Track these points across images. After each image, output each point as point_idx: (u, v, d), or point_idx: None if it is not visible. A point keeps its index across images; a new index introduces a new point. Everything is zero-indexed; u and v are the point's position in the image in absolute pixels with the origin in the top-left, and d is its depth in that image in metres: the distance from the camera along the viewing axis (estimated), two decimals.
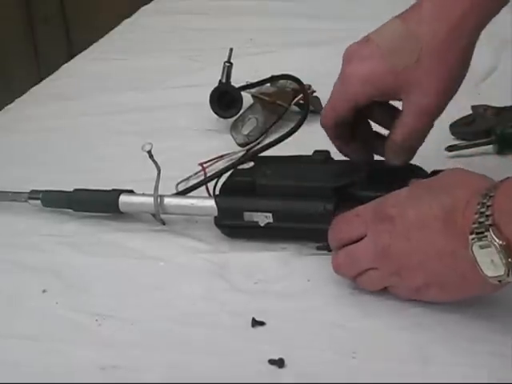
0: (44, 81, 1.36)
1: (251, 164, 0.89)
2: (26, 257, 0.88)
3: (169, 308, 0.78)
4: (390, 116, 0.83)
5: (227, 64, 1.12)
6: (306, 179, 0.85)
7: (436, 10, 0.79)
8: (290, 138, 0.94)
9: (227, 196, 0.87)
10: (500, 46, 1.20)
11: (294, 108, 1.11)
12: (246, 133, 1.08)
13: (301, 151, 0.89)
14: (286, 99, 1.10)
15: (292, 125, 0.95)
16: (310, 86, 1.10)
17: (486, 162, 0.97)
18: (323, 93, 1.10)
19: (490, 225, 0.65)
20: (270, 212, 0.84)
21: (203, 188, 0.92)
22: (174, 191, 0.94)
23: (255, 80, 1.12)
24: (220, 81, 1.12)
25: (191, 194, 0.92)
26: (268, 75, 1.11)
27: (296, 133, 0.94)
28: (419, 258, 0.72)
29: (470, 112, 1.04)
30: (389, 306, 0.75)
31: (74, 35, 2.41)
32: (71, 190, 0.94)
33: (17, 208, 0.96)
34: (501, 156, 0.98)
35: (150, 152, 0.87)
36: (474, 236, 0.66)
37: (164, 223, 0.91)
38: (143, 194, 0.91)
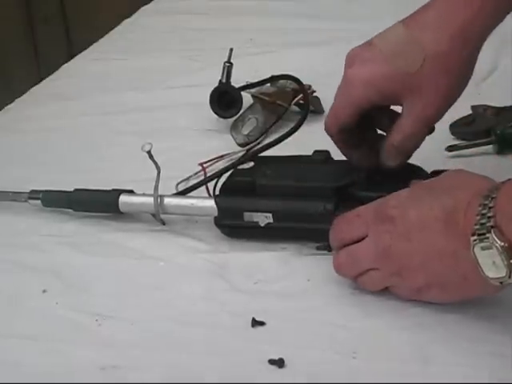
0: (44, 81, 1.36)
1: (251, 164, 0.89)
2: (26, 257, 0.88)
3: (169, 308, 0.78)
4: (389, 119, 0.83)
5: (227, 64, 1.12)
6: (306, 179, 0.85)
7: (440, 18, 0.79)
8: (290, 138, 0.94)
9: (227, 196, 0.87)
10: (500, 46, 1.20)
11: (294, 108, 1.11)
12: (246, 133, 1.08)
13: (301, 151, 0.89)
14: (286, 99, 1.10)
15: (292, 125, 0.95)
16: (310, 86, 1.10)
17: (485, 162, 0.97)
18: (323, 93, 1.11)
19: (492, 226, 0.65)
20: (269, 212, 0.84)
21: (203, 188, 0.92)
22: (174, 191, 0.94)
23: (255, 80, 1.12)
24: (220, 81, 1.12)
25: (191, 194, 0.92)
26: (268, 75, 1.11)
27: (296, 133, 0.94)
28: (420, 258, 0.72)
29: (470, 112, 1.04)
30: (389, 305, 0.75)
31: (74, 35, 2.41)
32: (71, 190, 0.94)
33: (17, 208, 0.96)
34: (501, 156, 0.98)
35: (149, 152, 0.87)
36: (475, 237, 0.66)
37: (164, 223, 0.91)
38: (143, 194, 0.91)
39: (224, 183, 0.88)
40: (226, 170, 0.91)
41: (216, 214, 0.87)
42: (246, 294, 0.79)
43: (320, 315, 0.75)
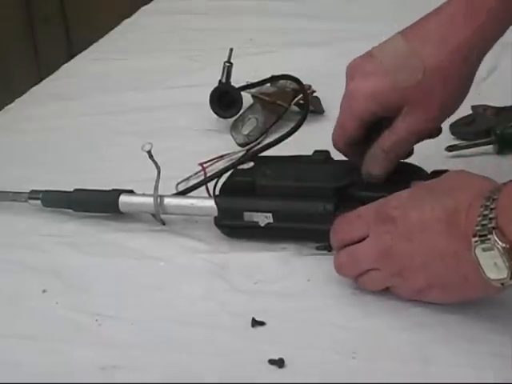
0: (44, 81, 1.36)
1: (251, 164, 0.89)
2: (26, 257, 0.88)
3: (169, 308, 0.78)
4: None
5: (227, 64, 1.12)
6: (306, 179, 0.85)
7: (440, 32, 0.79)
8: (290, 138, 0.94)
9: (227, 196, 0.87)
10: (500, 47, 1.19)
11: (294, 108, 1.10)
12: (246, 133, 1.08)
13: (301, 151, 0.89)
14: (286, 99, 1.10)
15: (292, 125, 0.95)
16: (310, 86, 1.10)
17: (485, 162, 0.97)
18: (323, 93, 1.11)
19: (494, 227, 0.65)
20: (269, 212, 0.84)
21: (203, 188, 0.92)
22: (174, 191, 0.94)
23: (255, 80, 1.12)
24: (220, 81, 1.12)
25: (191, 194, 0.92)
26: (268, 75, 1.11)
27: (296, 133, 0.94)
28: (421, 259, 0.72)
29: (470, 112, 1.04)
30: (389, 306, 0.75)
31: (73, 35, 2.41)
32: (71, 190, 0.94)
33: (17, 208, 0.96)
34: (501, 156, 0.98)
35: (149, 152, 0.87)
36: (476, 238, 0.66)
37: (164, 223, 0.91)
38: (143, 194, 0.91)
39: (224, 183, 0.88)
40: (226, 169, 0.91)
41: (216, 214, 0.87)
42: (246, 294, 0.79)
43: (320, 315, 0.75)
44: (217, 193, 0.89)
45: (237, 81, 1.12)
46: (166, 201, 0.89)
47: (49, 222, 0.94)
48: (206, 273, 0.83)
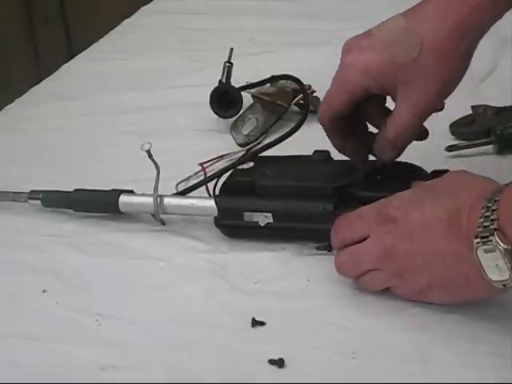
0: (44, 81, 1.36)
1: (251, 164, 0.89)
2: (26, 257, 0.88)
3: (169, 308, 0.78)
4: (382, 115, 0.83)
5: (227, 64, 1.12)
6: (306, 179, 0.85)
7: (438, 11, 0.79)
8: (290, 138, 0.93)
9: (227, 196, 0.87)
10: (500, 46, 1.20)
11: (294, 108, 1.11)
12: (246, 133, 1.08)
13: (301, 151, 0.89)
14: (286, 99, 1.10)
15: (292, 125, 0.95)
16: (310, 86, 1.10)
17: (485, 162, 0.97)
18: (323, 93, 1.10)
19: (495, 229, 0.65)
20: (269, 212, 0.84)
21: (203, 188, 0.92)
22: (174, 191, 0.94)
23: (255, 80, 1.12)
24: (220, 81, 1.12)
25: (191, 194, 0.92)
26: (268, 75, 1.11)
27: (296, 133, 0.94)
28: (422, 259, 0.72)
29: (470, 112, 1.04)
30: (389, 306, 0.75)
31: (74, 35, 2.41)
32: (71, 190, 0.94)
33: (17, 208, 0.96)
34: (501, 156, 0.98)
35: (149, 151, 0.87)
36: (478, 240, 0.66)
37: (164, 223, 0.91)
38: (143, 194, 0.91)
39: (224, 183, 0.88)
40: (226, 169, 0.91)
41: (216, 214, 0.87)
42: (246, 293, 0.79)
43: (320, 315, 0.75)
44: (217, 193, 0.89)
45: (237, 81, 1.12)
46: (166, 201, 0.89)
47: (49, 221, 0.94)
48: (206, 273, 0.83)
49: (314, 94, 1.10)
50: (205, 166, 1.00)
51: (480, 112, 1.03)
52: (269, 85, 1.12)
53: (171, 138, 1.09)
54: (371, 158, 0.86)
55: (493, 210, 0.66)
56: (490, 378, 0.66)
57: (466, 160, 0.98)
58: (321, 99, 1.09)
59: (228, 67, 1.11)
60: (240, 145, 1.07)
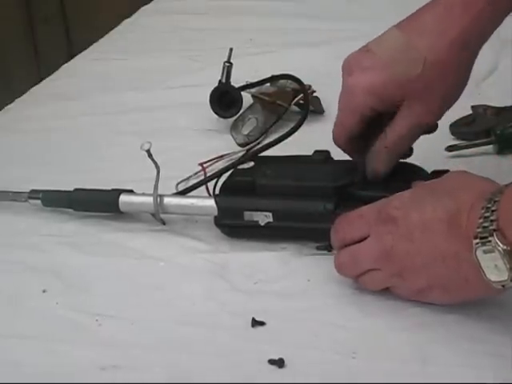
0: (44, 81, 1.36)
1: (251, 164, 0.89)
2: (26, 257, 0.88)
3: (169, 308, 0.78)
4: None
5: (227, 64, 1.11)
6: (306, 179, 0.85)
7: (437, 23, 0.79)
8: (290, 138, 0.93)
9: (227, 196, 0.87)
10: (500, 46, 1.20)
11: (294, 108, 1.10)
12: (246, 133, 1.08)
13: (301, 151, 0.89)
14: (286, 99, 1.10)
15: (292, 125, 0.95)
16: (310, 86, 1.10)
17: (485, 162, 0.97)
18: (323, 93, 1.11)
19: (494, 230, 0.65)
20: (270, 211, 0.84)
21: (203, 188, 0.92)
22: (174, 191, 0.94)
23: (255, 80, 1.12)
24: (220, 81, 1.12)
25: (191, 193, 0.92)
26: (268, 75, 1.11)
27: (296, 133, 0.94)
28: (422, 259, 0.72)
29: (470, 112, 1.04)
30: (389, 306, 0.75)
31: (74, 35, 2.41)
32: (71, 189, 0.94)
33: (17, 208, 0.96)
34: (501, 156, 0.98)
35: (148, 151, 0.87)
36: (477, 240, 0.66)
37: (164, 223, 0.91)
38: (143, 194, 0.91)
39: (224, 183, 0.88)
40: (226, 169, 0.91)
41: (216, 213, 0.87)
42: (246, 294, 0.79)
43: (320, 315, 0.75)
44: (217, 192, 0.89)
45: (237, 81, 1.12)
46: (166, 200, 0.89)
47: (49, 221, 0.94)
48: (206, 273, 0.83)
49: (314, 94, 1.11)
50: (205, 165, 1.00)
51: (480, 112, 1.03)
52: (269, 85, 1.12)
53: (171, 138, 1.09)
54: None
55: (492, 211, 0.66)
56: (490, 378, 0.66)
57: (466, 160, 0.98)
58: (321, 99, 1.11)
59: (228, 67, 1.11)
60: (240, 145, 1.07)
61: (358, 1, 1.49)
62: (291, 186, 0.85)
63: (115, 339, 0.75)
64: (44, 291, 0.82)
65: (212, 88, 1.11)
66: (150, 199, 0.89)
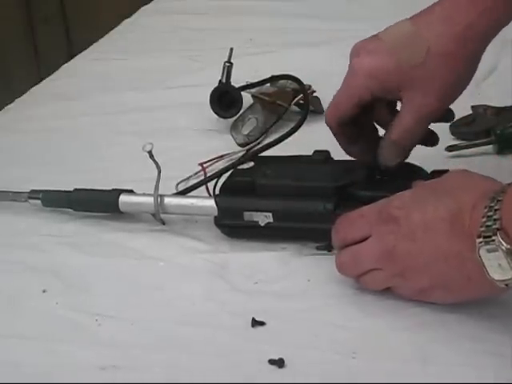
0: (44, 81, 1.36)
1: (251, 164, 0.89)
2: (26, 257, 0.88)
3: (169, 308, 0.78)
4: (391, 116, 0.83)
5: (227, 64, 1.12)
6: (306, 179, 0.85)
7: (445, 16, 0.79)
8: (290, 138, 0.94)
9: (227, 196, 0.87)
10: (500, 46, 1.20)
11: (294, 108, 1.10)
12: (246, 133, 1.08)
13: (301, 151, 0.89)
14: (286, 99, 1.10)
15: (292, 125, 0.95)
16: (310, 86, 1.10)
17: (485, 162, 0.97)
18: (323, 93, 1.10)
19: (498, 229, 0.65)
20: (270, 212, 0.84)
21: (203, 188, 0.92)
22: (174, 191, 0.94)
23: (255, 80, 1.12)
24: (220, 81, 1.12)
25: (191, 193, 0.92)
26: (268, 75, 1.11)
27: (296, 133, 0.94)
28: (425, 259, 0.72)
29: (470, 112, 1.04)
30: (389, 305, 0.75)
31: (74, 35, 2.41)
32: (71, 189, 0.94)
33: (17, 208, 0.96)
34: (501, 156, 0.98)
35: (150, 152, 0.87)
36: (481, 240, 0.66)
37: (164, 223, 0.90)
38: (143, 194, 0.91)
39: (224, 183, 0.88)
40: (226, 169, 0.91)
41: (216, 213, 0.87)
42: (246, 294, 0.79)
43: (320, 315, 0.75)
44: (217, 193, 0.89)
45: (237, 81, 1.12)
46: (166, 200, 0.89)
47: (49, 222, 0.94)
48: (206, 273, 0.83)
49: (314, 94, 1.11)
50: (205, 165, 1.00)
51: (480, 112, 1.03)
52: (269, 85, 1.12)
53: (171, 138, 1.09)
54: None
55: (495, 210, 0.66)
56: (491, 377, 0.66)
57: (466, 160, 0.98)
58: (321, 99, 1.11)
59: (228, 67, 1.11)
60: (240, 145, 1.07)
61: (358, 1, 1.49)
62: (291, 186, 0.85)
63: (115, 339, 0.75)
64: (44, 291, 0.82)
65: (212, 88, 1.11)
66: (150, 199, 0.89)
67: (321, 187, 0.84)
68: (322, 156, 0.87)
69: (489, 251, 0.66)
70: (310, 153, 0.88)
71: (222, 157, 1.02)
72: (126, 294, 0.81)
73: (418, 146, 0.84)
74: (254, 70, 1.18)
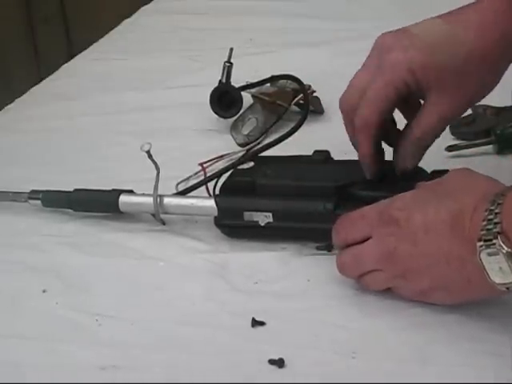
0: (44, 81, 1.36)
1: (251, 164, 0.89)
2: (26, 257, 0.88)
3: (169, 308, 0.78)
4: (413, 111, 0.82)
5: (227, 64, 1.12)
6: (306, 179, 0.85)
7: (483, 21, 0.79)
8: (290, 138, 0.94)
9: (227, 196, 0.87)
10: None
11: (294, 108, 1.10)
12: (246, 133, 1.08)
13: (301, 151, 0.89)
14: (286, 99, 1.10)
15: (292, 125, 0.95)
16: (310, 86, 1.10)
17: (486, 162, 0.97)
18: (323, 93, 1.11)
19: (499, 232, 0.65)
20: (270, 212, 0.84)
21: (203, 188, 0.92)
22: (174, 191, 0.94)
23: (255, 80, 1.12)
24: (220, 81, 1.12)
25: (191, 193, 0.92)
26: (268, 75, 1.11)
27: (296, 133, 0.94)
28: (425, 261, 0.72)
29: (470, 112, 1.03)
30: (389, 306, 0.75)
31: (74, 35, 2.41)
32: (71, 189, 0.94)
33: (17, 208, 0.96)
34: (501, 156, 0.98)
35: (148, 152, 0.87)
36: (481, 243, 0.66)
37: (164, 223, 0.91)
38: (143, 194, 0.91)
39: (224, 183, 0.88)
40: (226, 169, 0.91)
41: (216, 213, 0.87)
42: (246, 294, 0.79)
43: (320, 315, 0.75)
44: (217, 193, 0.89)
45: (237, 81, 1.12)
46: (166, 200, 0.89)
47: (49, 222, 0.94)
48: (206, 273, 0.83)
49: (314, 94, 1.11)
50: (205, 165, 0.99)
51: (480, 112, 1.03)
52: (269, 85, 1.12)
53: (171, 138, 1.09)
54: None
55: (496, 213, 0.66)
56: (491, 377, 0.66)
57: (466, 160, 0.98)
58: (321, 99, 1.11)
59: (228, 67, 1.11)
60: (240, 145, 1.07)
61: (358, 1, 1.49)
62: (291, 186, 0.85)
63: (115, 339, 0.75)
64: (44, 291, 0.82)
65: (212, 88, 1.11)
66: (150, 199, 0.89)
67: (321, 187, 0.84)
68: (322, 156, 0.87)
69: (489, 255, 0.66)
70: (310, 153, 0.88)
71: (222, 157, 1.02)
72: (126, 294, 0.81)
73: None
74: (254, 70, 1.18)
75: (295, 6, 1.51)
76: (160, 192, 0.89)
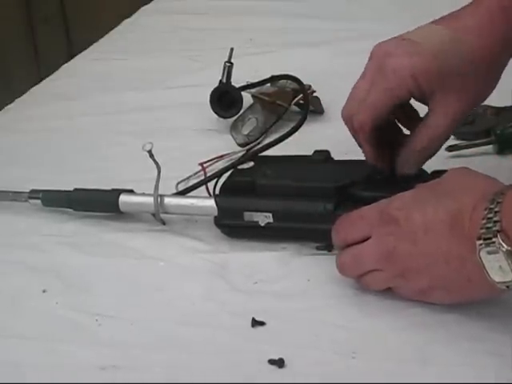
0: (44, 81, 1.36)
1: (251, 164, 0.89)
2: (26, 257, 0.88)
3: (169, 308, 0.78)
4: (410, 118, 0.83)
5: (227, 64, 1.12)
6: (306, 179, 0.85)
7: (482, 26, 0.79)
8: (290, 138, 0.94)
9: (227, 196, 0.87)
10: None
11: (294, 108, 1.10)
12: (246, 133, 1.08)
13: (301, 151, 0.89)
14: (286, 99, 1.10)
15: (292, 125, 0.95)
16: (310, 86, 1.10)
17: (485, 162, 0.97)
18: (323, 93, 1.11)
19: (498, 231, 0.65)
20: (270, 212, 0.84)
21: (203, 188, 0.92)
22: (174, 191, 0.94)
23: (255, 80, 1.12)
24: (220, 81, 1.12)
25: (191, 193, 0.92)
26: (268, 75, 1.11)
27: (296, 133, 0.94)
28: (425, 260, 0.72)
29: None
30: (389, 306, 0.75)
31: (74, 35, 2.41)
32: (71, 189, 0.94)
33: (17, 208, 0.96)
34: (501, 156, 0.98)
35: (150, 151, 0.87)
36: (481, 242, 0.66)
37: (164, 223, 0.91)
38: (143, 194, 0.91)
39: (224, 183, 0.88)
40: (225, 169, 0.91)
41: (216, 213, 0.87)
42: (246, 294, 0.79)
43: (320, 315, 0.75)
44: (217, 192, 0.89)
45: (237, 81, 1.12)
46: (166, 200, 0.89)
47: (49, 221, 0.94)
48: (206, 273, 0.83)
49: (314, 94, 1.11)
50: (205, 165, 1.00)
51: (480, 112, 1.03)
52: (269, 85, 1.12)
53: (171, 138, 1.09)
54: None
55: (495, 212, 0.66)
56: (491, 377, 0.66)
57: (466, 160, 0.98)
58: (321, 99, 1.11)
59: (228, 67, 1.11)
60: (240, 145, 1.07)
61: (358, 1, 1.49)
62: (291, 187, 0.85)
63: (115, 339, 0.75)
64: (44, 291, 0.82)
65: (212, 88, 1.11)
66: (150, 199, 0.89)
67: (321, 187, 0.84)
68: (322, 156, 0.87)
69: (489, 253, 0.66)
70: (310, 153, 0.88)
71: (222, 157, 1.02)
72: (126, 294, 0.81)
73: None
74: (254, 70, 1.18)
75: (295, 6, 1.51)
76: (160, 192, 0.89)
